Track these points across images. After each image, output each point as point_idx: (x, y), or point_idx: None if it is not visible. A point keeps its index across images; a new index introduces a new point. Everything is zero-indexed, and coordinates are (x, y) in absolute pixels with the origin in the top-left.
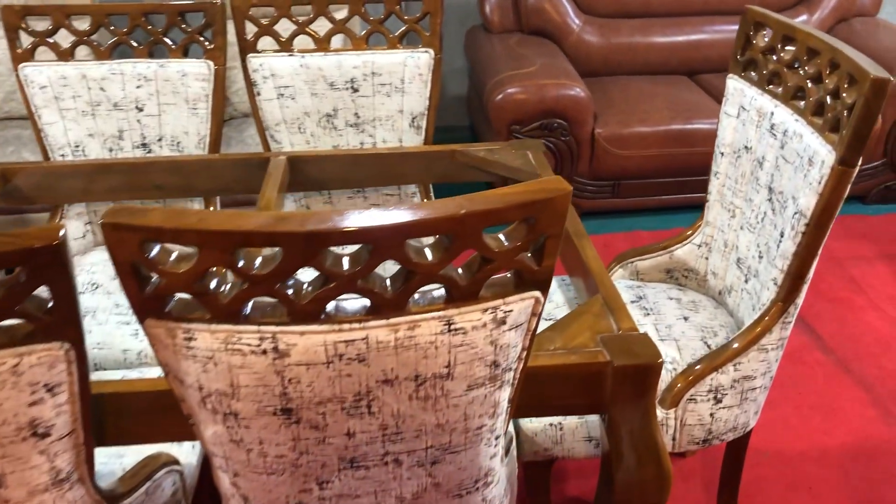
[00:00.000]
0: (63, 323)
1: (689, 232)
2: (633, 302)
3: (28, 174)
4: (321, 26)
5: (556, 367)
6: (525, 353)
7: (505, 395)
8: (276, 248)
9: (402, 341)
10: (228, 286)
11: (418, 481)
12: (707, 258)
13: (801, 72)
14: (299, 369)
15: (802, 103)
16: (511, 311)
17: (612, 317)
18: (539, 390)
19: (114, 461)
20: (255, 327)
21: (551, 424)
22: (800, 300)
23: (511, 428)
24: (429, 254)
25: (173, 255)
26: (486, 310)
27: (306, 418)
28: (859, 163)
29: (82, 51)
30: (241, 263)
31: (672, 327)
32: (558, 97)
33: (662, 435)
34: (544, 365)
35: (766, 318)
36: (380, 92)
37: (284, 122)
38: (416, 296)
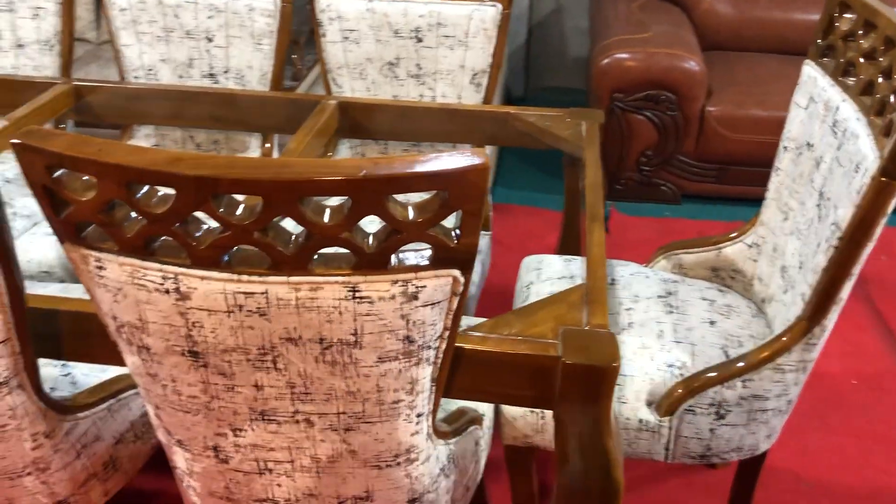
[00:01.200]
0: None
1: (740, 231)
2: (660, 297)
3: (100, 93)
4: None
5: (502, 354)
6: (448, 332)
7: (425, 373)
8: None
9: (303, 301)
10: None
11: (333, 446)
12: (756, 261)
13: (877, 64)
14: (201, 314)
15: (870, 100)
16: (424, 286)
17: (586, 310)
18: (482, 374)
19: (96, 374)
20: (158, 265)
21: (532, 412)
22: (828, 322)
23: (489, 408)
24: (328, 215)
25: (82, 183)
26: (395, 282)
27: (213, 364)
28: None
29: None
30: (139, 198)
31: (693, 330)
32: (668, 68)
33: (653, 445)
34: (490, 350)
35: (786, 337)
36: (443, 44)
37: (347, 66)
38: (320, 257)
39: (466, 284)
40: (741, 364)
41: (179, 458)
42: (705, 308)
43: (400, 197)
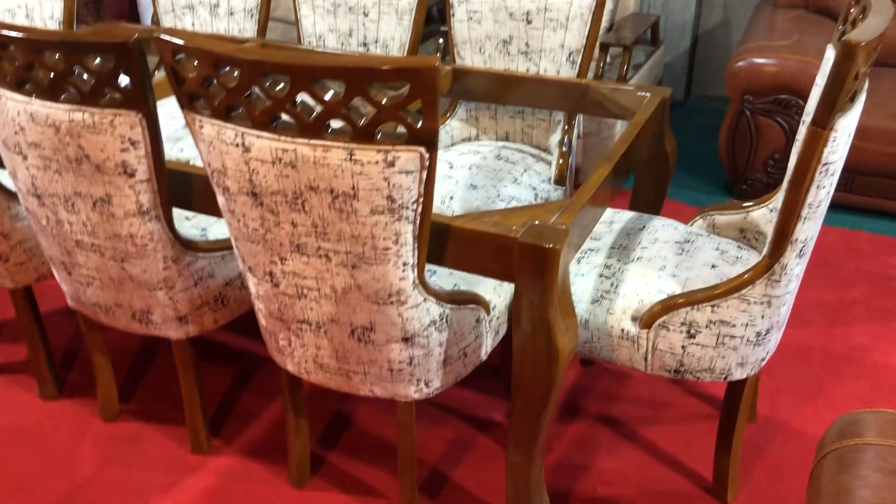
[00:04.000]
0: (137, 99)
1: (767, 197)
2: (677, 242)
3: (279, 50)
4: None
5: (476, 231)
6: (421, 198)
7: (406, 229)
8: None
9: (318, 159)
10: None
11: (344, 279)
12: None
13: None
14: (257, 163)
15: None
16: (399, 157)
17: (558, 214)
18: (463, 248)
19: (224, 236)
20: (233, 126)
21: None
22: (788, 262)
23: (501, 301)
24: (330, 94)
25: (192, 66)
26: (379, 150)
27: (266, 203)
28: (833, 127)
29: None
30: (222, 75)
31: (692, 269)
32: (798, 74)
33: (633, 354)
34: (469, 228)
35: (752, 271)
36: (548, 26)
37: (469, 42)
38: (332, 130)
39: (432, 161)
40: (709, 292)
41: (251, 284)
42: (714, 256)
43: None
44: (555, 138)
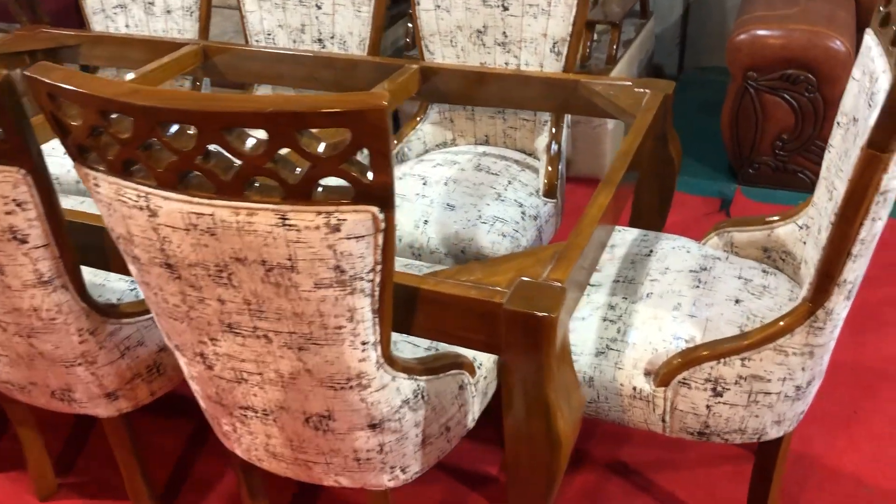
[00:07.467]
0: (16, 151)
1: (794, 211)
2: (692, 271)
3: (224, 54)
4: None
5: (453, 297)
6: (380, 267)
7: (362, 303)
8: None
9: (242, 225)
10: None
11: (291, 363)
12: (805, 242)
13: None
14: (168, 230)
15: None
16: (345, 220)
17: (551, 265)
18: (437, 315)
19: None
20: (133, 185)
21: None
22: (833, 305)
23: (487, 358)
24: (250, 145)
25: (78, 111)
26: (319, 213)
27: (185, 276)
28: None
29: None
30: (111, 124)
31: (712, 307)
32: (807, 46)
33: (649, 415)
34: (442, 292)
35: (789, 318)
36: (528, 13)
37: (439, 33)
38: (256, 187)
39: (389, 222)
40: (738, 342)
41: (182, 363)
42: (737, 286)
43: None
44: (541, 141)
